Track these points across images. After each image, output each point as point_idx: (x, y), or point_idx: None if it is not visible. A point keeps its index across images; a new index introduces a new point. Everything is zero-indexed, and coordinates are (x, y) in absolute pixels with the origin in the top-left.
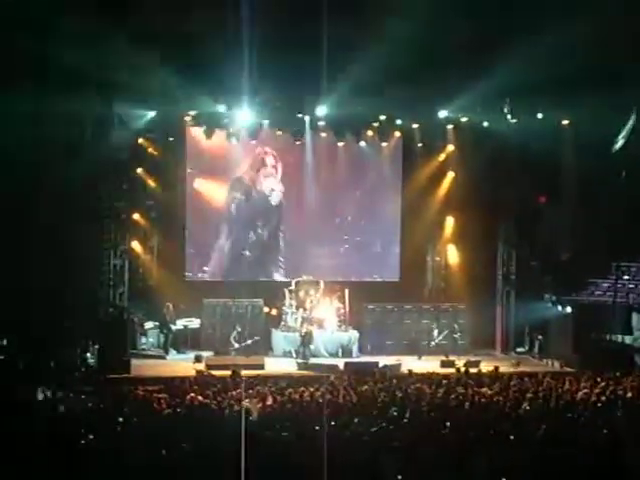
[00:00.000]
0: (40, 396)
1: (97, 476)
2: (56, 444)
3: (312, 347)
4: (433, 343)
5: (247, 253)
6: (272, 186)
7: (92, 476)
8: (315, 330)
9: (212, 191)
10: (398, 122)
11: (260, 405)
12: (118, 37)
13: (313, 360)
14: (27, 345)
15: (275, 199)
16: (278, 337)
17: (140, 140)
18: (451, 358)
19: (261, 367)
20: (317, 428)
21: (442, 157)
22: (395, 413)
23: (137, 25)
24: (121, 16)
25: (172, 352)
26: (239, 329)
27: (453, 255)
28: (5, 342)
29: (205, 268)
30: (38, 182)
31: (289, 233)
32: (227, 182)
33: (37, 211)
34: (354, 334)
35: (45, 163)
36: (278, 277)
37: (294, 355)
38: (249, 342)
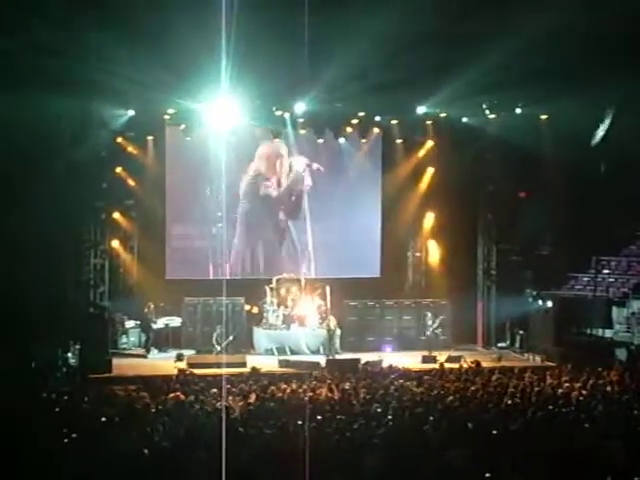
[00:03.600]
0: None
1: (80, 475)
2: (39, 444)
3: (337, 343)
4: (428, 332)
5: (229, 251)
6: (260, 184)
7: (75, 475)
8: (296, 327)
9: (192, 189)
10: (377, 119)
11: (242, 403)
12: (96, 37)
13: (294, 357)
14: (7, 345)
15: (262, 197)
16: (260, 335)
17: (119, 139)
18: (433, 354)
19: (243, 365)
20: (299, 425)
21: (422, 153)
22: (378, 410)
23: (114, 24)
24: (99, 16)
25: (153, 351)
26: (219, 330)
27: (434, 251)
28: None
29: (186, 266)
30: (18, 183)
31: (271, 230)
32: (206, 180)
33: (17, 211)
34: (336, 331)
35: (24, 164)
36: (259, 275)
37: (275, 353)
38: (230, 338)
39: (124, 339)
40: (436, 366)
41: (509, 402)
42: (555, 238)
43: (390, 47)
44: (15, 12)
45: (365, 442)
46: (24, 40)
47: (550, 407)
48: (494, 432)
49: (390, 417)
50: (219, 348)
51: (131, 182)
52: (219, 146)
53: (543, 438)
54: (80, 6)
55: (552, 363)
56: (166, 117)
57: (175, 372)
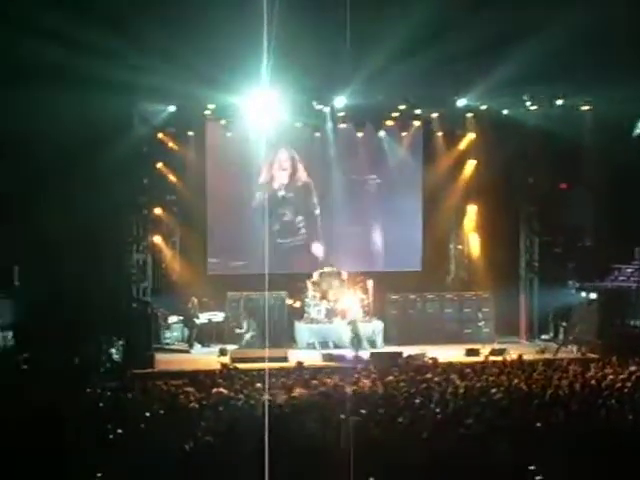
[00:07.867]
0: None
1: (125, 470)
2: (83, 440)
3: (363, 336)
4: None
5: (269, 246)
6: (293, 181)
7: (121, 470)
8: (339, 321)
9: (233, 185)
10: (417, 111)
11: (285, 397)
12: (136, 32)
13: (338, 351)
14: (51, 341)
15: (298, 193)
16: (301, 329)
17: (160, 135)
18: (476, 347)
19: (284, 359)
20: (343, 418)
21: (462, 145)
22: (421, 403)
23: (154, 19)
24: (138, 11)
25: (196, 346)
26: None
27: (475, 243)
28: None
29: (228, 262)
30: (60, 180)
31: (313, 226)
32: (247, 175)
33: (59, 208)
34: (378, 325)
35: (67, 162)
36: (300, 269)
37: (318, 347)
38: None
39: (167, 334)
40: (480, 359)
41: (553, 394)
42: (597, 229)
43: (430, 39)
44: (52, 10)
45: (409, 436)
46: (64, 39)
47: (594, 399)
48: (537, 425)
49: (433, 410)
50: (248, 337)
51: (172, 178)
52: (259, 142)
53: (586, 431)
54: (119, 2)
55: (596, 355)
56: (207, 112)
57: (218, 367)
